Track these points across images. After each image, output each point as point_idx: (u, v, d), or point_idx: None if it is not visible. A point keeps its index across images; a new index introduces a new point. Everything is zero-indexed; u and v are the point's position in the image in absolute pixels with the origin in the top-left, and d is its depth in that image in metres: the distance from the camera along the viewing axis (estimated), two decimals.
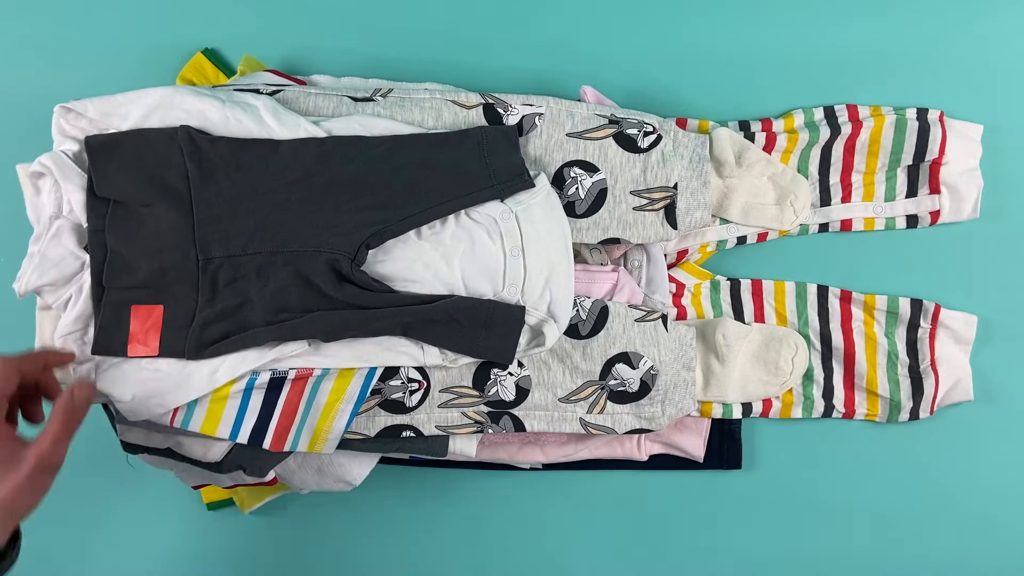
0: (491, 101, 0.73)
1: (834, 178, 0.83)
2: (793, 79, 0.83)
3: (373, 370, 0.71)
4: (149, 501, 0.87)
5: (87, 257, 0.68)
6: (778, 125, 0.82)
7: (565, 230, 0.72)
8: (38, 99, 0.83)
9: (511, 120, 0.73)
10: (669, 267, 0.82)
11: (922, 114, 0.81)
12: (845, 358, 0.83)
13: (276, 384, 0.69)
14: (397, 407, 0.73)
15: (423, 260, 0.70)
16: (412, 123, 0.72)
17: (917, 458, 0.85)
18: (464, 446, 0.76)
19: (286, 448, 0.70)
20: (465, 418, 0.74)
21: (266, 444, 0.69)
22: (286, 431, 0.70)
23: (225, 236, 0.67)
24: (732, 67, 0.84)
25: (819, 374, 0.84)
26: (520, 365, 0.74)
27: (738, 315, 0.84)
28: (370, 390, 0.71)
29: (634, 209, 0.75)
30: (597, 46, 0.84)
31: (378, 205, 0.69)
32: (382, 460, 0.80)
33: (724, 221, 0.82)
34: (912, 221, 0.84)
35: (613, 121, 0.75)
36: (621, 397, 0.75)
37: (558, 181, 0.74)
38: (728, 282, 0.84)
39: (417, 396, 0.73)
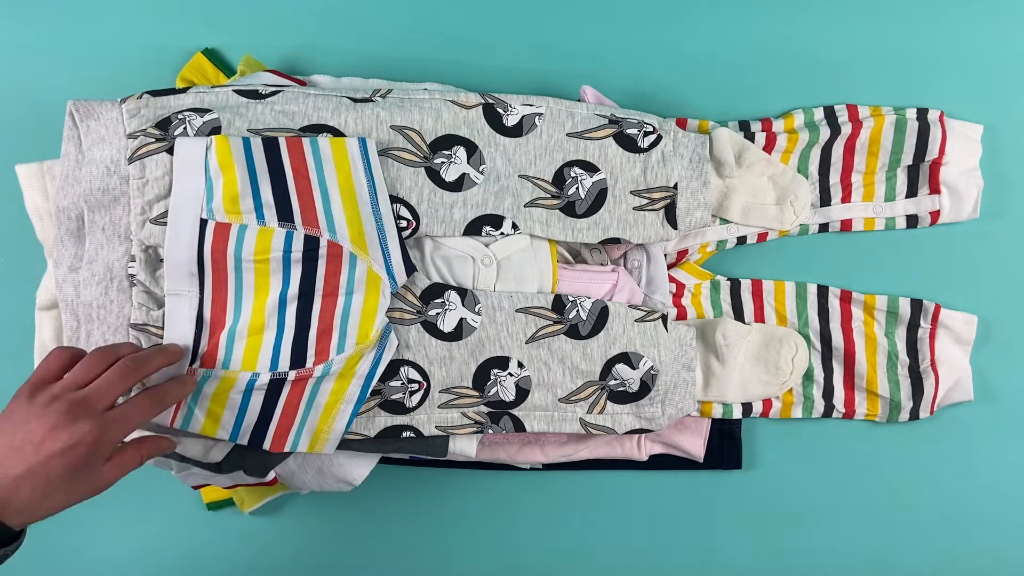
0: (491, 101, 0.73)
1: (834, 178, 0.83)
2: (793, 79, 0.83)
3: (373, 371, 0.71)
4: (149, 501, 0.87)
5: None
6: (778, 125, 0.82)
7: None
8: (38, 99, 0.83)
9: (511, 120, 0.73)
10: (669, 267, 0.82)
11: (922, 114, 0.81)
12: (845, 358, 0.83)
13: (276, 385, 0.69)
14: (397, 408, 0.73)
15: None
16: (412, 124, 0.72)
17: (917, 458, 0.86)
18: (464, 446, 0.76)
19: (286, 449, 0.70)
20: (465, 418, 0.74)
21: (266, 445, 0.69)
22: (286, 432, 0.70)
23: None
24: (732, 67, 0.84)
25: (819, 374, 0.84)
26: (520, 366, 0.74)
27: (738, 315, 0.84)
28: (370, 391, 0.71)
29: (634, 209, 0.75)
30: (597, 46, 0.84)
31: None
32: (382, 460, 0.80)
33: (724, 221, 0.82)
34: (912, 221, 0.84)
35: (613, 121, 0.75)
36: (621, 397, 0.75)
37: (558, 181, 0.74)
38: (728, 282, 0.84)
39: (417, 397, 0.73)
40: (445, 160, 0.72)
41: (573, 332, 0.74)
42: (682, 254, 0.83)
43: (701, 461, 0.84)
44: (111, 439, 0.56)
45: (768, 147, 0.81)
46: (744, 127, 0.82)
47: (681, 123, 0.82)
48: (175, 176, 0.68)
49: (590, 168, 0.74)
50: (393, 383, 0.72)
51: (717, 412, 0.82)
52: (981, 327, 0.83)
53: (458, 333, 0.72)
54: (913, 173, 0.83)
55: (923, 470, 0.86)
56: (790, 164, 0.82)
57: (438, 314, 0.72)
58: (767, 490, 0.86)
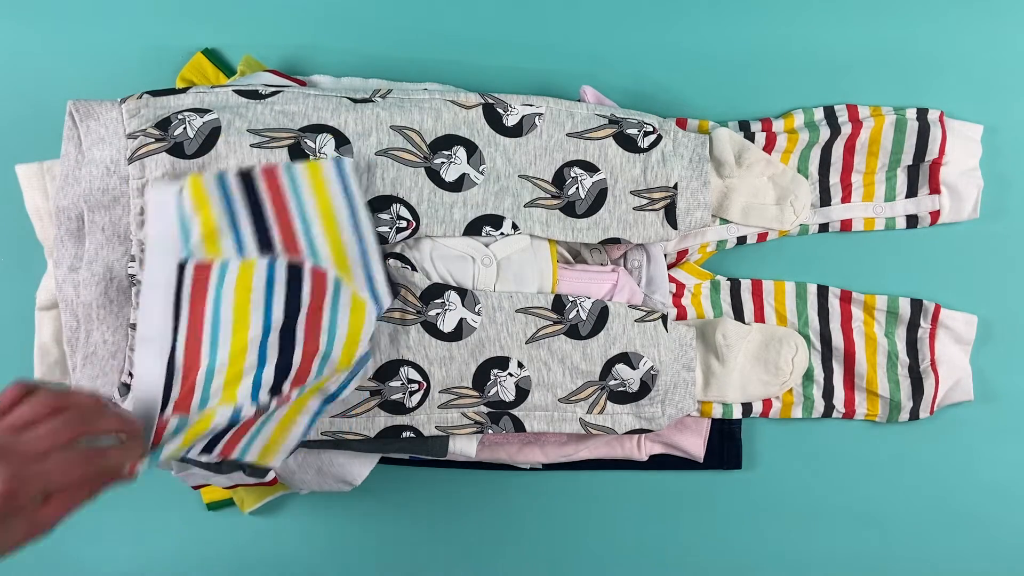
0: (491, 101, 0.73)
1: (834, 178, 0.83)
2: (793, 79, 0.83)
3: (340, 391, 0.69)
4: (149, 501, 0.87)
5: None
6: (778, 125, 0.82)
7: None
8: (38, 99, 0.83)
9: (511, 120, 0.73)
10: (669, 267, 0.82)
11: (922, 114, 0.81)
12: (845, 358, 0.83)
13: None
14: (397, 408, 0.73)
15: None
16: (412, 124, 0.72)
17: (917, 458, 0.86)
18: (464, 446, 0.76)
19: (233, 456, 0.66)
20: (465, 419, 0.74)
21: (214, 454, 0.65)
22: (238, 440, 0.66)
23: None
24: (732, 67, 0.84)
25: (819, 374, 0.84)
26: (520, 366, 0.74)
27: (738, 315, 0.84)
28: (369, 391, 0.71)
29: (634, 209, 0.75)
30: (597, 46, 0.84)
31: None
32: (382, 460, 0.80)
33: (724, 221, 0.82)
34: (912, 221, 0.84)
35: (613, 121, 0.75)
36: (621, 397, 0.75)
37: (558, 181, 0.74)
38: (728, 282, 0.84)
39: (417, 397, 0.73)
40: (445, 160, 0.72)
41: (573, 332, 0.74)
42: (682, 254, 0.83)
43: (701, 461, 0.84)
44: (27, 492, 0.50)
45: (768, 147, 0.81)
46: (744, 127, 0.82)
47: (681, 123, 0.82)
48: (148, 222, 0.66)
49: (590, 168, 0.74)
50: (393, 383, 0.72)
51: (717, 412, 0.82)
52: (981, 327, 0.83)
53: (458, 333, 0.72)
54: (913, 173, 0.83)
55: (923, 470, 0.86)
56: (790, 164, 0.82)
57: (438, 314, 0.72)
58: (767, 490, 0.86)
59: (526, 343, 0.73)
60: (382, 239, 0.70)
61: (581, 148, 0.74)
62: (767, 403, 0.83)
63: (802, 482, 0.86)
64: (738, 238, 0.82)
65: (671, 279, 0.82)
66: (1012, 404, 0.85)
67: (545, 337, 0.74)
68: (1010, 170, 0.84)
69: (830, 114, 0.82)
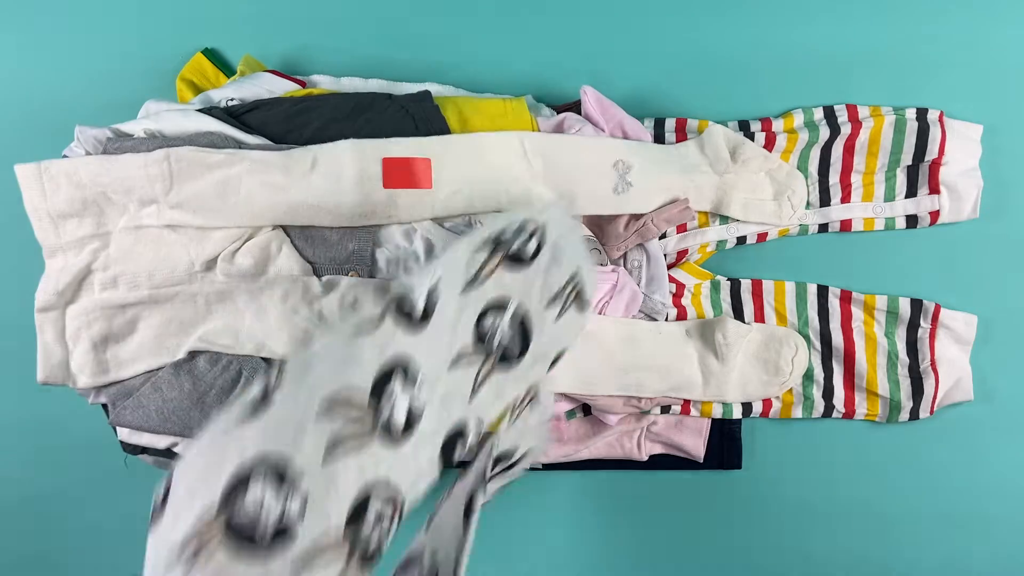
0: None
1: (834, 178, 0.83)
2: (793, 79, 0.83)
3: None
4: (149, 501, 0.87)
5: None
6: (778, 125, 0.82)
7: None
8: (38, 100, 0.83)
9: (418, 308, 0.61)
10: (669, 267, 0.82)
11: (922, 114, 0.81)
12: (845, 358, 0.83)
13: None
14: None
15: None
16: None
17: (917, 458, 0.86)
18: None
19: None
20: None
21: None
22: None
23: None
24: (732, 67, 0.84)
25: (819, 374, 0.84)
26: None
27: (738, 315, 0.84)
28: None
29: (555, 319, 0.68)
30: (597, 46, 0.84)
31: None
32: None
33: (724, 220, 0.82)
34: (912, 221, 0.84)
35: (495, 242, 0.65)
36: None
37: (479, 338, 0.64)
38: (728, 282, 0.84)
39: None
40: (388, 407, 0.59)
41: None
42: (682, 254, 0.83)
43: (701, 461, 0.84)
44: None
45: (768, 147, 0.81)
46: (744, 127, 0.82)
47: (681, 123, 0.82)
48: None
49: (499, 307, 0.65)
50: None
51: (717, 412, 0.82)
52: (981, 327, 0.83)
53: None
54: (913, 173, 0.83)
55: (923, 470, 0.86)
56: (789, 164, 0.82)
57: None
58: (767, 490, 0.87)
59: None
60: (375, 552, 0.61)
61: (480, 295, 0.64)
62: (767, 403, 0.83)
63: (802, 482, 0.86)
64: (738, 238, 0.82)
65: (671, 279, 0.82)
66: (1012, 404, 0.85)
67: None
68: (1010, 170, 0.84)
69: (830, 114, 0.82)
